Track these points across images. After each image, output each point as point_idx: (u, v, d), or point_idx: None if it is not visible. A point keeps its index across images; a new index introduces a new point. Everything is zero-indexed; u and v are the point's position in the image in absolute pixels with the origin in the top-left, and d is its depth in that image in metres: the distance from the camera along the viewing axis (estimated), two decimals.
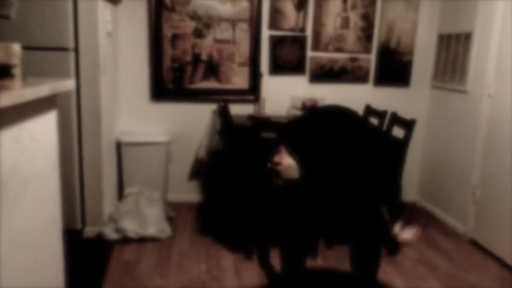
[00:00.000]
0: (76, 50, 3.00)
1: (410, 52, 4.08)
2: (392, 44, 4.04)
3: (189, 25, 3.82)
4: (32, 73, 1.86)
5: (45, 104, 1.82)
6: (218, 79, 3.93)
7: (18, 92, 1.43)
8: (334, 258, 3.05)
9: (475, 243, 3.41)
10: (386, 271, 2.94)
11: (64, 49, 2.96)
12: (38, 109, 1.75)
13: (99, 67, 3.07)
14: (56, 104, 1.94)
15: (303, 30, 3.94)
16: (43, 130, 1.84)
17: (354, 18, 3.96)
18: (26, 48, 2.68)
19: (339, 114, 2.28)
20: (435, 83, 4.04)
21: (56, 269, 2.05)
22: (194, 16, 3.80)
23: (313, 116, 2.36)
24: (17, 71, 1.46)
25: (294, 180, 2.14)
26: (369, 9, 3.95)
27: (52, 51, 2.94)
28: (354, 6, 3.94)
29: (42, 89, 1.61)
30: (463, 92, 3.59)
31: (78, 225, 3.19)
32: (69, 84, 1.95)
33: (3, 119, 1.43)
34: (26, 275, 1.70)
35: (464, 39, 3.58)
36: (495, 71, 3.28)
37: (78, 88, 3.04)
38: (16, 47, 1.46)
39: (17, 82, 1.46)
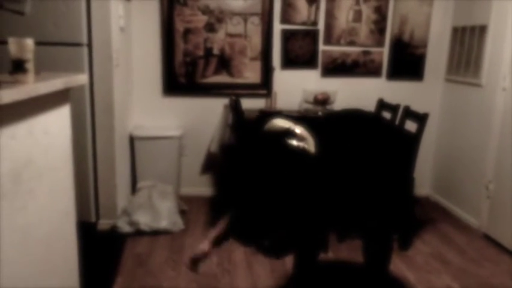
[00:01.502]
0: (89, 45, 3.04)
1: (424, 45, 4.04)
2: (406, 37, 4.00)
3: (201, 19, 3.83)
4: (46, 68, 1.90)
5: (59, 98, 1.85)
6: (230, 73, 3.94)
7: (31, 86, 1.46)
8: (345, 252, 3.05)
9: (488, 238, 3.38)
10: (398, 265, 2.93)
11: (78, 44, 3.00)
12: (51, 103, 1.78)
13: (112, 62, 3.10)
14: (69, 98, 1.97)
15: (315, 23, 3.92)
16: (57, 124, 1.87)
17: (367, 11, 3.93)
18: (40, 43, 2.73)
19: (353, 114, 2.27)
20: (449, 76, 3.99)
21: (70, 260, 2.09)
22: (206, 10, 3.81)
23: (328, 118, 2.32)
24: (30, 66, 1.48)
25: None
26: (381, 2, 3.92)
27: (66, 46, 2.98)
28: None
29: (55, 83, 1.64)
30: (478, 85, 3.55)
31: (93, 218, 3.24)
32: (82, 78, 1.98)
33: (17, 112, 1.46)
34: (39, 266, 1.74)
35: (479, 32, 3.54)
36: (510, 64, 3.23)
37: (92, 83, 3.08)
38: (29, 42, 1.48)
39: (30, 76, 1.48)
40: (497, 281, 2.80)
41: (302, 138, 1.97)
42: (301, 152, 1.96)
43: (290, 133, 1.96)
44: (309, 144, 1.98)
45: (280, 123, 1.99)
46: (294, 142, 1.95)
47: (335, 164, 2.10)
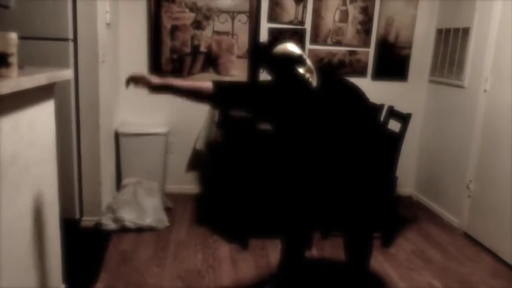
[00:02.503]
0: (75, 40, 3.02)
1: (409, 46, 4.09)
2: (391, 38, 4.05)
3: (189, 17, 3.83)
4: (31, 63, 1.89)
5: (43, 93, 1.84)
6: (217, 71, 3.95)
7: (15, 81, 1.46)
8: (328, 249, 3.09)
9: (469, 237, 3.44)
10: (380, 262, 2.97)
11: (63, 39, 2.98)
12: (36, 98, 1.77)
13: (98, 58, 3.08)
14: (53, 93, 1.96)
15: (302, 23, 3.94)
16: (41, 119, 1.87)
17: (353, 11, 3.97)
18: (26, 38, 2.71)
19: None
20: (433, 77, 4.05)
21: (54, 257, 2.09)
22: (193, 8, 3.81)
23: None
24: (14, 60, 1.48)
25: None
26: (368, 3, 3.96)
27: (51, 41, 2.95)
28: (353, 0, 3.94)
29: (39, 78, 1.64)
30: (460, 86, 3.61)
31: (76, 215, 3.22)
32: (67, 73, 1.97)
33: (1, 107, 1.46)
34: (23, 262, 1.73)
35: (462, 34, 3.60)
36: (492, 67, 3.29)
37: (77, 78, 3.06)
38: (13, 36, 1.48)
39: (14, 71, 1.48)
40: (477, 279, 2.85)
41: (310, 70, 1.98)
42: (306, 82, 1.95)
43: (300, 61, 1.95)
44: (313, 79, 1.98)
45: (292, 48, 1.96)
46: (301, 70, 1.94)
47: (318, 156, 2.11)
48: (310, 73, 1.97)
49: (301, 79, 1.94)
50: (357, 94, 2.12)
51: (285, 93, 2.04)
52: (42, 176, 1.89)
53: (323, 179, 2.16)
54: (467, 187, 3.48)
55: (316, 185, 2.19)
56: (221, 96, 2.04)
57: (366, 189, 2.19)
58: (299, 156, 2.18)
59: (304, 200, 2.28)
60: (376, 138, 2.24)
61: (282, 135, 2.17)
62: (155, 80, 2.01)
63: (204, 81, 2.05)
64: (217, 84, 2.02)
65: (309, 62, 1.99)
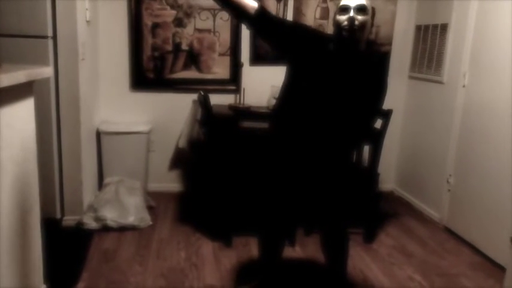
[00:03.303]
0: (54, 37, 2.98)
1: (389, 43, 4.13)
2: (371, 34, 4.08)
3: (170, 14, 3.81)
4: (9, 60, 1.86)
5: (22, 91, 1.82)
6: (199, 68, 3.94)
7: None
8: (312, 247, 3.11)
9: (449, 230, 3.51)
10: (362, 257, 3.01)
11: (42, 37, 2.94)
12: (14, 96, 1.75)
13: (78, 55, 3.05)
14: (32, 91, 1.93)
15: None
16: (20, 117, 1.84)
17: (334, 8, 3.97)
18: (4, 35, 2.67)
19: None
20: (412, 73, 4.11)
21: (34, 257, 2.06)
22: (174, 5, 3.79)
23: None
24: None
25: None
26: None
27: (30, 38, 2.91)
28: None
29: (17, 76, 1.62)
30: (439, 82, 3.67)
31: (58, 215, 3.19)
32: (46, 71, 1.95)
33: None
34: (3, 261, 1.71)
35: (441, 30, 3.65)
36: (469, 62, 3.36)
37: (57, 76, 3.03)
38: None
39: None
40: (457, 271, 2.91)
41: (363, 24, 1.96)
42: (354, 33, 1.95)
43: (363, 9, 1.96)
44: (364, 32, 1.98)
45: None
46: (358, 16, 1.94)
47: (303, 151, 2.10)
48: (360, 25, 1.97)
49: (350, 25, 1.94)
50: (377, 84, 2.07)
51: (318, 43, 2.07)
52: (21, 175, 1.87)
53: (303, 168, 2.15)
54: (447, 181, 3.54)
55: (296, 174, 2.18)
56: (259, 21, 2.05)
57: (342, 183, 2.19)
58: (288, 130, 2.13)
59: (283, 194, 2.27)
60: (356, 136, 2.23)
61: (288, 87, 2.14)
62: None
63: (251, 1, 2.03)
64: (261, 10, 2.02)
65: (367, 17, 1.99)
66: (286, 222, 2.47)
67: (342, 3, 2.00)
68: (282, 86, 2.17)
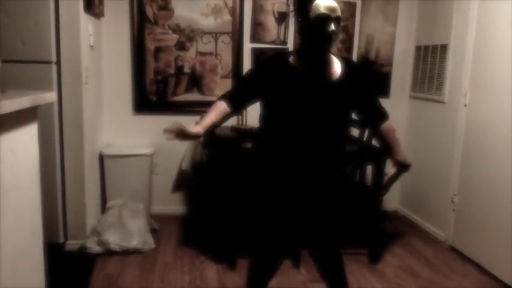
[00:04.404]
0: (58, 62, 3.02)
1: (389, 63, 4.17)
2: (372, 55, 4.13)
3: (172, 38, 3.86)
4: (14, 86, 1.88)
5: (26, 116, 1.83)
6: (201, 91, 3.97)
7: None
8: None
9: (454, 250, 3.47)
10: (368, 278, 2.97)
11: (46, 62, 2.98)
12: (18, 121, 1.76)
13: (82, 80, 3.08)
14: (36, 116, 1.95)
15: (284, 42, 4.00)
16: (24, 142, 1.85)
17: None
18: (8, 61, 2.71)
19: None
20: (413, 93, 4.13)
21: (37, 281, 2.05)
22: (177, 29, 3.85)
23: None
24: None
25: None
26: (348, 22, 4.04)
27: (34, 64, 2.95)
28: None
29: (21, 101, 1.63)
30: (441, 102, 3.68)
31: (61, 239, 3.18)
32: (50, 96, 1.96)
33: None
34: (6, 285, 1.70)
35: (441, 50, 3.68)
36: (470, 82, 3.37)
37: (60, 101, 3.05)
38: None
39: None
40: None
41: (337, 34, 2.00)
42: (331, 40, 1.93)
43: (337, 20, 1.90)
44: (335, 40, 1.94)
45: (335, 4, 1.90)
46: (333, 27, 1.87)
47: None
48: (336, 35, 1.96)
49: (330, 36, 1.89)
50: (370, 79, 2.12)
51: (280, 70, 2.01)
52: (24, 200, 1.86)
53: (296, 193, 2.10)
54: (452, 201, 3.52)
55: (290, 199, 2.12)
56: (239, 106, 2.07)
57: (337, 201, 2.15)
58: (279, 157, 2.07)
59: (274, 221, 2.19)
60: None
61: (275, 119, 2.07)
62: (198, 129, 2.01)
63: (217, 104, 2.05)
64: (229, 100, 2.03)
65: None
66: (276, 251, 2.29)
67: (321, 11, 1.87)
68: (263, 117, 2.10)
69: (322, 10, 1.87)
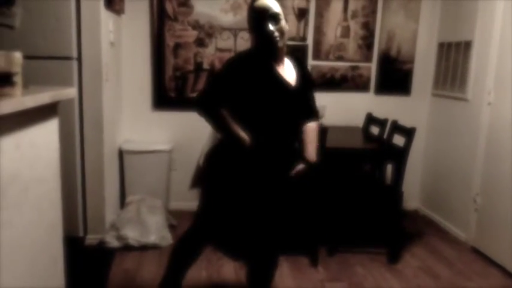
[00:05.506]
0: (79, 59, 3.05)
1: (411, 60, 4.10)
2: (393, 52, 4.06)
3: (191, 34, 3.86)
4: (35, 82, 1.90)
5: (47, 111, 1.85)
6: None
7: (18, 100, 1.46)
8: (335, 266, 3.05)
9: (476, 251, 3.40)
10: (387, 279, 2.93)
11: (67, 58, 3.01)
12: (39, 117, 1.78)
13: (102, 76, 3.11)
14: (57, 112, 1.96)
15: (304, 39, 3.97)
16: (44, 137, 1.87)
17: (354, 27, 3.99)
18: (30, 57, 2.73)
19: None
20: (436, 91, 4.05)
21: (57, 275, 2.07)
22: (196, 25, 3.85)
23: None
24: (18, 79, 1.48)
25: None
26: (369, 19, 3.99)
27: (55, 60, 2.98)
28: (354, 16, 3.97)
29: (42, 97, 1.64)
30: (464, 100, 3.60)
31: (80, 233, 3.21)
32: (71, 92, 1.98)
33: (3, 126, 1.46)
34: (25, 281, 1.72)
35: (464, 47, 3.60)
36: (495, 79, 3.29)
37: (81, 97, 3.08)
38: (17, 55, 1.49)
39: (17, 90, 1.49)
40: None
41: (281, 30, 2.01)
42: (272, 39, 1.99)
43: (274, 18, 1.99)
44: (282, 40, 2.03)
45: (272, 4, 2.00)
46: (271, 27, 1.97)
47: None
48: (280, 33, 2.01)
49: (269, 35, 1.98)
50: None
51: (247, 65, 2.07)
52: (44, 194, 1.89)
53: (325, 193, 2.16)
54: (474, 200, 3.45)
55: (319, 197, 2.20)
56: (224, 106, 2.05)
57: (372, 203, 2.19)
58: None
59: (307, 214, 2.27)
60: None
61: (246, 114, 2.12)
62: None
63: (219, 114, 2.05)
64: (218, 104, 2.03)
65: (283, 23, 2.03)
66: (215, 223, 2.43)
67: (268, 12, 1.98)
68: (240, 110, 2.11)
69: (257, 9, 2.00)
